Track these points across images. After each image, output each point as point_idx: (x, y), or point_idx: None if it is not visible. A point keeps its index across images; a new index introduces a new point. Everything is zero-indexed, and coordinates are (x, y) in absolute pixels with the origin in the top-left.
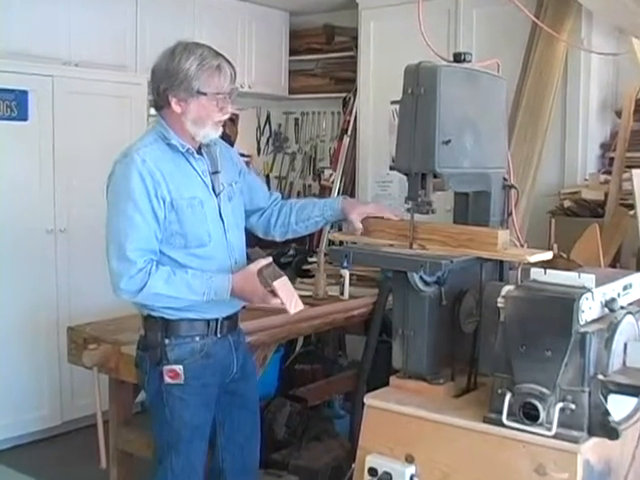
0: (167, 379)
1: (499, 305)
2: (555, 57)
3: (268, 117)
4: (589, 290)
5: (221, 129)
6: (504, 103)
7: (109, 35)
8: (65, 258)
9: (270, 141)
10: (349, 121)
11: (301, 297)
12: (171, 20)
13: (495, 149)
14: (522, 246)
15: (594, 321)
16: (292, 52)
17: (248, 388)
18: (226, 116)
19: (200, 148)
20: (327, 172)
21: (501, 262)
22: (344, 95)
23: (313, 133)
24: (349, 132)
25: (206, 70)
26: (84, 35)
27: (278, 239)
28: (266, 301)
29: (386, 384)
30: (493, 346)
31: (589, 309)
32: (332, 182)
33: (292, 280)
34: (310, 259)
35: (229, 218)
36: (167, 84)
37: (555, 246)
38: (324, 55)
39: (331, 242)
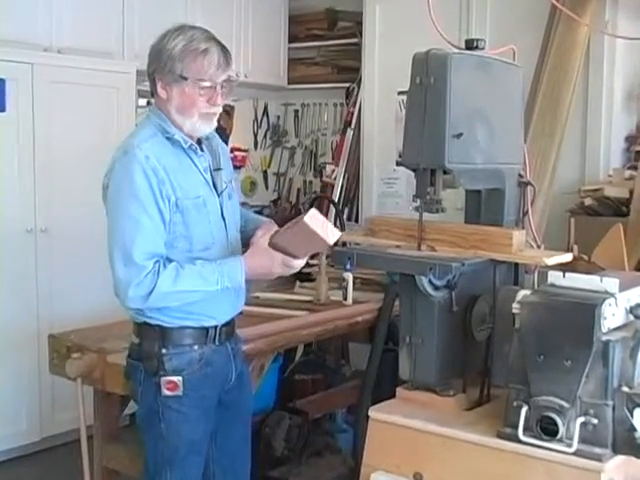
0: (165, 391)
1: (514, 311)
2: (576, 42)
3: (266, 109)
4: (612, 295)
5: (215, 124)
6: (520, 93)
7: (94, 19)
8: (46, 260)
9: (268, 135)
10: (353, 113)
11: (301, 302)
12: (161, 3)
13: (510, 143)
14: (539, 247)
15: (618, 329)
16: (291, 39)
17: (243, 399)
18: (214, 109)
19: (200, 142)
20: (329, 168)
21: (516, 265)
22: (347, 85)
23: (314, 126)
24: (353, 125)
25: (190, 52)
26: (67, 19)
27: None
28: (289, 265)
29: (392, 396)
30: (508, 355)
31: (612, 316)
32: (334, 179)
33: (291, 284)
34: (310, 261)
35: (230, 217)
36: (154, 66)
37: (575, 247)
38: (326, 42)
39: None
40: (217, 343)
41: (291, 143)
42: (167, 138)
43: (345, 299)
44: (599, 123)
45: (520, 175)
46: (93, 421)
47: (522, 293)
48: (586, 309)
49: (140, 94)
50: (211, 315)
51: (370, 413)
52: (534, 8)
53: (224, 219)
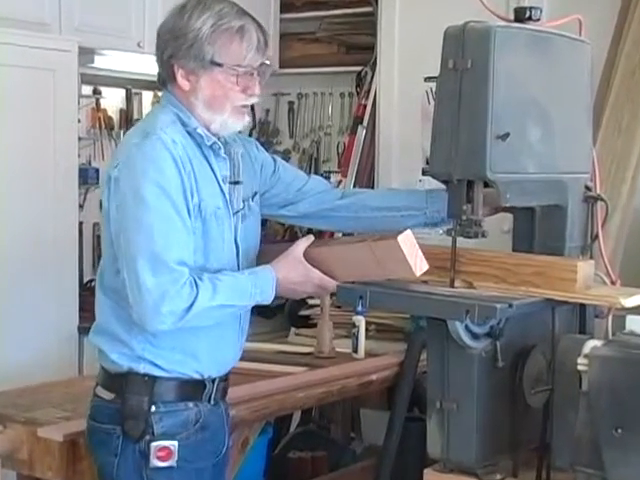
0: (155, 461)
1: (580, 368)
2: None
3: None
4: None
5: (248, 119)
6: (588, 78)
7: None
8: None
9: (254, 134)
10: (365, 106)
11: (297, 355)
12: None
13: (574, 145)
14: (613, 283)
15: None
16: (284, 7)
17: None
18: (250, 101)
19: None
20: (334, 178)
21: (582, 307)
22: (359, 69)
23: (315, 123)
24: (365, 122)
25: (223, 32)
26: None
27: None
28: (324, 287)
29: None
30: (573, 427)
31: None
32: None
33: (286, 330)
34: (310, 301)
35: (244, 245)
36: (172, 49)
37: None
38: (330, 12)
39: None
40: (212, 402)
41: (284, 145)
42: (187, 132)
43: (355, 351)
44: None
45: (587, 188)
46: None
47: (591, 344)
48: None
49: (84, 79)
50: (217, 359)
51: None
52: None
53: (237, 246)
